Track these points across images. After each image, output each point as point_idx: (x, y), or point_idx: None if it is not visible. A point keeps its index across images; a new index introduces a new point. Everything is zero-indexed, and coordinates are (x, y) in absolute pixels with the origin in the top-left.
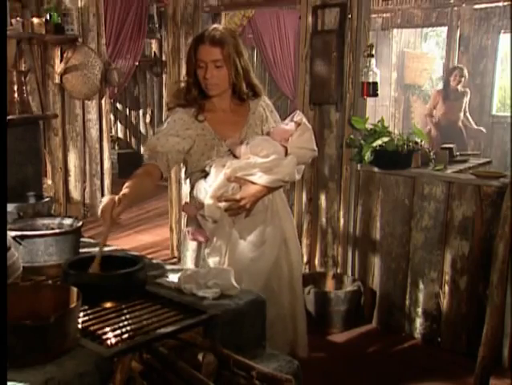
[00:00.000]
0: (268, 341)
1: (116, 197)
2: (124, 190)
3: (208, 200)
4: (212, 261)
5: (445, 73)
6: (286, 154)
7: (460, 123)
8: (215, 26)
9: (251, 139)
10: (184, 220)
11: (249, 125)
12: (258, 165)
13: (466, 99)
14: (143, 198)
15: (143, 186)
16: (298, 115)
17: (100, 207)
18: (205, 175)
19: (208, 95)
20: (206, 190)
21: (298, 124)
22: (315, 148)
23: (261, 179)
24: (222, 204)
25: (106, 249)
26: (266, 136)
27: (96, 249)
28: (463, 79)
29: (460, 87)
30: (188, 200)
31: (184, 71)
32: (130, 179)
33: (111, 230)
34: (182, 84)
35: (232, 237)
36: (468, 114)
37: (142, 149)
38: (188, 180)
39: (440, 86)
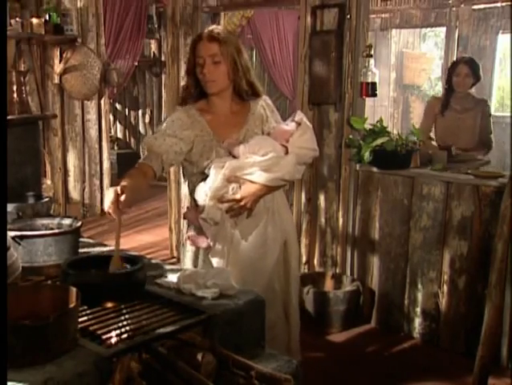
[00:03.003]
0: (270, 342)
1: (118, 188)
2: (123, 183)
3: (208, 202)
4: (216, 263)
5: (446, 70)
6: (287, 154)
7: (475, 154)
8: (214, 26)
9: (250, 139)
10: (182, 222)
11: (249, 126)
12: (257, 164)
13: (484, 114)
14: (138, 195)
15: (138, 183)
16: (299, 115)
17: (106, 202)
18: (205, 177)
19: (207, 93)
20: (206, 192)
21: (298, 124)
22: (316, 148)
23: (260, 177)
24: (223, 206)
25: (105, 249)
26: (265, 136)
27: (97, 249)
28: (474, 78)
29: (472, 92)
30: (187, 203)
31: (184, 71)
32: (125, 176)
33: (122, 223)
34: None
35: (234, 239)
36: (491, 138)
37: (141, 149)
38: (187, 183)
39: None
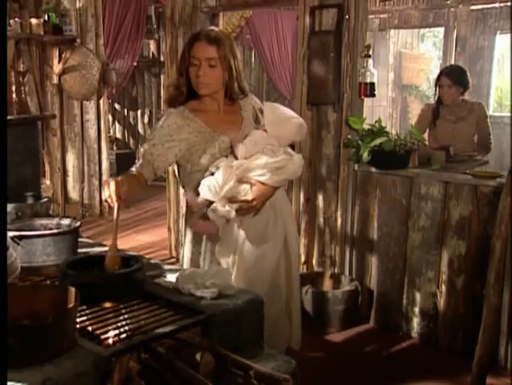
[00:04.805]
0: (273, 336)
1: (119, 178)
2: (121, 178)
3: (219, 202)
4: (224, 262)
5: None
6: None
7: (474, 153)
8: (212, 27)
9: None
10: (181, 222)
11: (245, 124)
12: (268, 165)
13: (481, 117)
14: (131, 195)
15: (132, 184)
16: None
17: (106, 191)
18: (211, 174)
19: (198, 94)
20: (216, 187)
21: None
22: (297, 116)
23: (271, 180)
24: (234, 206)
25: (104, 249)
26: (254, 130)
27: (96, 249)
28: (460, 87)
29: (465, 98)
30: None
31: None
32: (120, 176)
33: (120, 224)
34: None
35: (240, 236)
36: (491, 139)
37: (137, 155)
38: (182, 184)
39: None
